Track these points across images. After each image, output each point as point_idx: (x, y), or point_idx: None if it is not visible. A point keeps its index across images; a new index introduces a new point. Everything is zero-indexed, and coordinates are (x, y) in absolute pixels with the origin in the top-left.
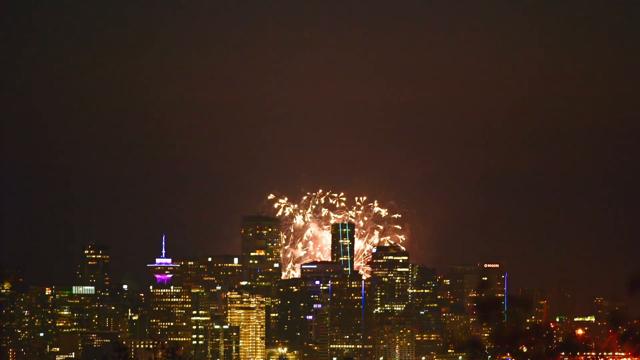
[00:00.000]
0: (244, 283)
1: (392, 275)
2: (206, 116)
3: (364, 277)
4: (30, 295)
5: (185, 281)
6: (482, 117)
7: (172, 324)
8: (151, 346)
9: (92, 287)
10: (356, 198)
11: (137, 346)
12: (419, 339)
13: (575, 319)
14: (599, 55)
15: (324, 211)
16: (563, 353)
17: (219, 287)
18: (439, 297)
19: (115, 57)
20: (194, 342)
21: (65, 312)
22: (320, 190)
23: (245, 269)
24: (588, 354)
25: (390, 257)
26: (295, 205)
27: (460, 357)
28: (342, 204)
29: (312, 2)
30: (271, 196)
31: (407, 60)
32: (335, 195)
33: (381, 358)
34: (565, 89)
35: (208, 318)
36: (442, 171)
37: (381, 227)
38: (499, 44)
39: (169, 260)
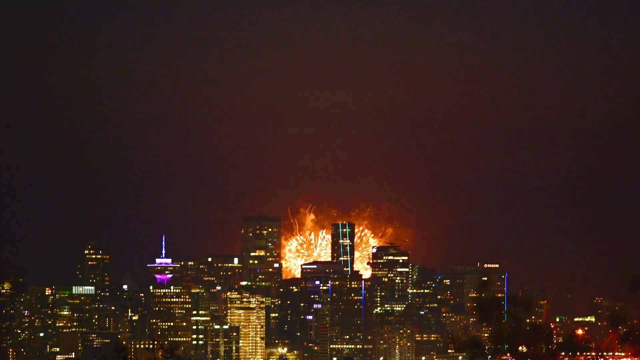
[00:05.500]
0: (244, 283)
1: (392, 275)
2: (206, 116)
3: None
4: (30, 295)
5: (185, 281)
6: (482, 118)
7: (172, 324)
8: (151, 346)
9: (92, 287)
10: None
11: (137, 346)
12: (419, 339)
13: (575, 319)
14: (601, 56)
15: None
16: (563, 353)
17: (219, 287)
18: (439, 297)
19: (116, 58)
20: (194, 342)
21: (65, 312)
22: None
23: (245, 269)
24: (588, 354)
25: (390, 257)
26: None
27: (460, 357)
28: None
29: (314, 3)
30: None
31: (409, 62)
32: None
33: (381, 358)
34: (566, 90)
35: (208, 318)
36: (442, 172)
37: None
38: (500, 46)
39: (169, 260)
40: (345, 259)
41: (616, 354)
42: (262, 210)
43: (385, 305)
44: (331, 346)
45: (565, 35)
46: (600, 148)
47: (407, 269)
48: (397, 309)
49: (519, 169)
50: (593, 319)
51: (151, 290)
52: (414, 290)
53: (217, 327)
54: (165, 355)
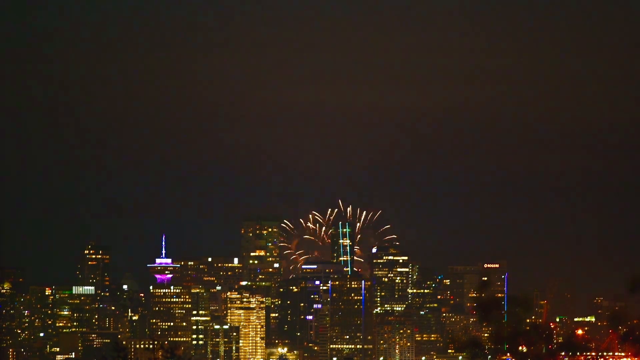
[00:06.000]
0: (244, 283)
1: (392, 275)
2: (206, 116)
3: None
4: (30, 295)
5: (185, 281)
6: (482, 118)
7: (172, 324)
8: (151, 346)
9: (92, 287)
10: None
11: (137, 346)
12: (419, 339)
13: (575, 319)
14: (601, 56)
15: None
16: (563, 353)
17: (219, 287)
18: (439, 297)
19: (116, 57)
20: (194, 342)
21: (65, 312)
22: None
23: (245, 269)
24: (588, 354)
25: (390, 257)
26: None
27: (460, 357)
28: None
29: (314, 3)
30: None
31: (410, 63)
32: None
33: (381, 358)
34: (567, 89)
35: (208, 318)
36: (442, 172)
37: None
38: (496, 44)
39: (169, 260)
40: (345, 259)
41: (616, 354)
42: (262, 210)
43: (385, 305)
44: (331, 346)
45: (565, 34)
46: (601, 148)
47: (407, 269)
48: (397, 309)
49: (519, 169)
50: (593, 319)
51: (151, 290)
52: (414, 290)
53: (217, 327)
54: (165, 355)
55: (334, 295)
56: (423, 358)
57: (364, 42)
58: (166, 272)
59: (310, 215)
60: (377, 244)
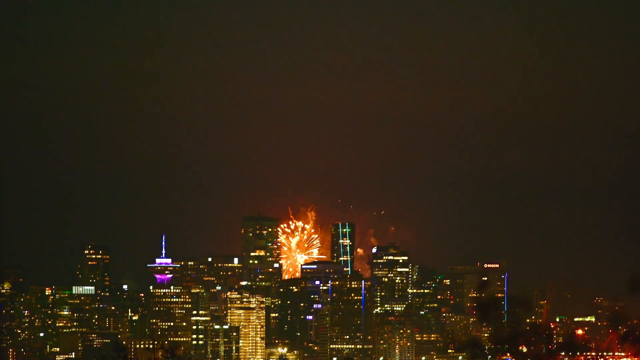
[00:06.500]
0: (244, 283)
1: (392, 275)
2: (206, 116)
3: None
4: (30, 295)
5: (185, 281)
6: (481, 117)
7: (172, 324)
8: (151, 346)
9: (92, 287)
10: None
11: (137, 346)
12: (419, 339)
13: (575, 319)
14: (600, 55)
15: None
16: (563, 353)
17: (219, 287)
18: (439, 297)
19: (117, 57)
20: (194, 342)
21: (65, 312)
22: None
23: (245, 269)
24: (588, 354)
25: (390, 257)
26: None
27: (460, 357)
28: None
29: (315, 3)
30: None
31: (411, 62)
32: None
33: (381, 358)
34: (566, 89)
35: (208, 318)
36: (442, 172)
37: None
38: (495, 43)
39: (169, 260)
40: (345, 259)
41: (616, 354)
42: (262, 210)
43: (385, 305)
44: (331, 346)
45: (566, 34)
46: (600, 148)
47: (407, 269)
48: (397, 309)
49: (519, 169)
50: (593, 319)
51: (151, 290)
52: (414, 290)
53: (217, 327)
54: (165, 355)
55: (334, 295)
56: (423, 358)
57: (364, 42)
58: (166, 272)
59: (310, 215)
60: (378, 244)
